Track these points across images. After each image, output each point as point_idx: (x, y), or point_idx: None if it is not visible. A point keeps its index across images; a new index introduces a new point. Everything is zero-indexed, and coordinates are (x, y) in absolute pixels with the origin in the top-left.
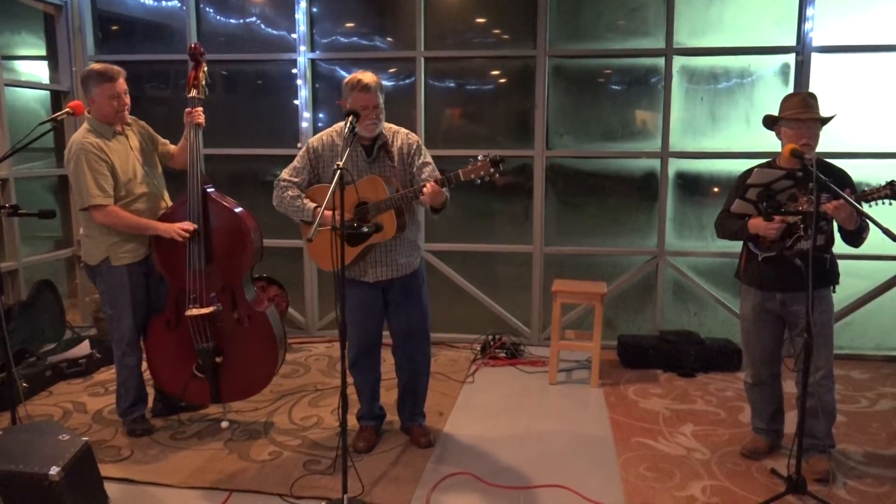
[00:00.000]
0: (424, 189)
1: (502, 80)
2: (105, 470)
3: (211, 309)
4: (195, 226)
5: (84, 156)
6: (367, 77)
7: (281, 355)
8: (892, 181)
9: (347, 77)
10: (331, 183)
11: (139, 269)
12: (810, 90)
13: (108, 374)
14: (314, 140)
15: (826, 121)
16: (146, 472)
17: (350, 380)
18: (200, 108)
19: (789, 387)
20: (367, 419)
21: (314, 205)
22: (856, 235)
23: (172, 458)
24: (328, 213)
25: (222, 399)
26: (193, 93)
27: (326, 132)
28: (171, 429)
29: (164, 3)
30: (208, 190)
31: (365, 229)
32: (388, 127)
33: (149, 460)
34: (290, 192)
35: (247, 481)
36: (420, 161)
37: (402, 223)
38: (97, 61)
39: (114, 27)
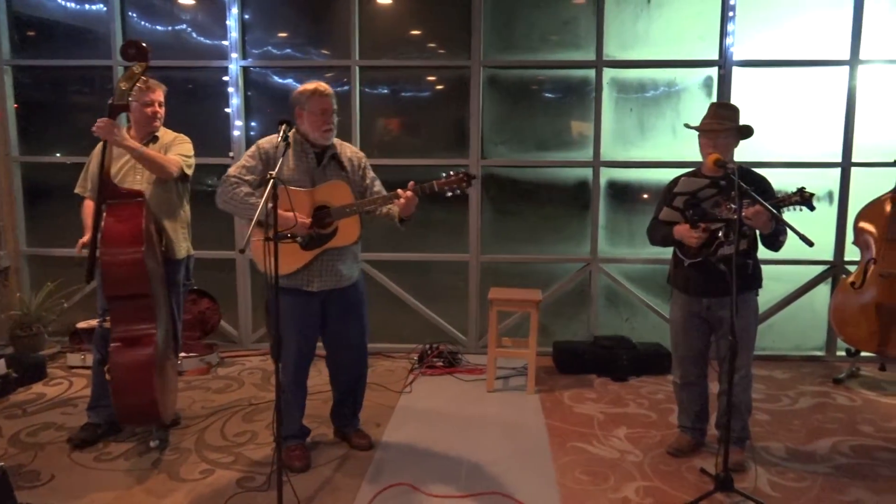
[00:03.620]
0: (402, 195)
1: (438, 89)
2: (23, 497)
3: (92, 324)
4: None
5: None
6: (323, 84)
7: (165, 398)
8: (802, 188)
9: (300, 88)
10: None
11: None
12: (732, 101)
13: (25, 395)
14: (264, 142)
15: (744, 132)
16: (67, 498)
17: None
18: (106, 119)
19: (713, 387)
20: (298, 438)
21: (270, 204)
22: (773, 239)
23: (96, 482)
24: (285, 213)
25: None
26: (111, 99)
27: (276, 136)
28: (95, 450)
29: (86, 6)
30: (104, 207)
31: (298, 239)
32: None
33: (71, 485)
34: (243, 189)
35: (177, 503)
36: (371, 175)
37: (360, 231)
38: (13, 66)
39: (31, 30)
